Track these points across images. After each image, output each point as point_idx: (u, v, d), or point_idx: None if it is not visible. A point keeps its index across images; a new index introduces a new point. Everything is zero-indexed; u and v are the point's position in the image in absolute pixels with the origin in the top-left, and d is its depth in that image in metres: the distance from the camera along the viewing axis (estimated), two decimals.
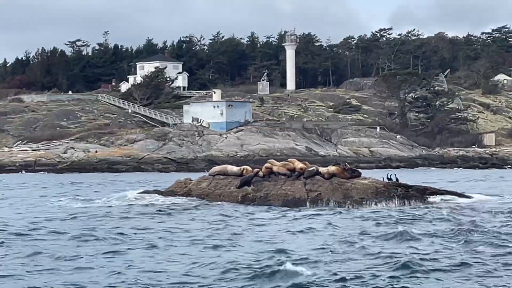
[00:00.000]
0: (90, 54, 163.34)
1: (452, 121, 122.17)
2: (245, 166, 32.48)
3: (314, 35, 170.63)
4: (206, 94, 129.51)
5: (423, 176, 62.04)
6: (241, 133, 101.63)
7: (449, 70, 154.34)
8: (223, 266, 15.67)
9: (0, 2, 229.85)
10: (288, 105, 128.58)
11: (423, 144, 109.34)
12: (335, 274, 14.72)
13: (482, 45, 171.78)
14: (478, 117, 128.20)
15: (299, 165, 30.91)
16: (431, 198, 30.03)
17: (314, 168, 30.72)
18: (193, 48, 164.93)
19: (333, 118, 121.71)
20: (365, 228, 21.90)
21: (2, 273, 15.18)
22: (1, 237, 20.59)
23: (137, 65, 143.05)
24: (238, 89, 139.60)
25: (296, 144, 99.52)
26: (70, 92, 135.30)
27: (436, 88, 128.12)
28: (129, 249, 18.31)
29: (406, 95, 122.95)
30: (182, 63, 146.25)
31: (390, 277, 14.48)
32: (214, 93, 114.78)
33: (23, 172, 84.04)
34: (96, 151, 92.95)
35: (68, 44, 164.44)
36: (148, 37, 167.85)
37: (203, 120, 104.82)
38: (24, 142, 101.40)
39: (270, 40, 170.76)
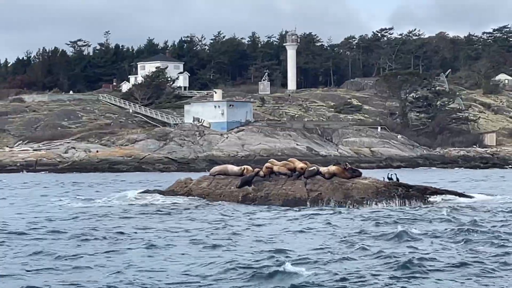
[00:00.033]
0: (91, 54, 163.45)
1: (453, 121, 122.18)
2: (245, 166, 32.49)
3: (315, 35, 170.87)
4: (207, 94, 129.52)
5: (424, 176, 62.04)
6: (242, 133, 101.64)
7: (450, 70, 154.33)
8: (222, 266, 15.67)
9: (1, 2, 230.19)
10: (289, 105, 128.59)
11: (424, 144, 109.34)
12: (335, 274, 14.71)
13: (483, 45, 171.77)
14: (479, 117, 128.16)
15: (299, 164, 30.91)
16: (432, 198, 29.98)
17: (315, 167, 30.72)
18: (194, 48, 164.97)
19: (334, 118, 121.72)
20: (365, 228, 21.89)
21: (2, 273, 15.19)
22: (2, 236, 20.60)
23: (138, 65, 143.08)
24: (239, 89, 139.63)
25: (297, 144, 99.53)
26: (71, 92, 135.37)
27: (437, 88, 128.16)
28: (129, 248, 18.32)
29: (407, 95, 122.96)
30: (183, 63, 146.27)
31: (390, 277, 14.47)
32: (215, 93, 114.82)
33: (24, 172, 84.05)
34: (97, 151, 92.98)
35: (69, 44, 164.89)
36: (149, 37, 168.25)
37: (204, 120, 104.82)
38: (25, 142, 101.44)
39: (271, 40, 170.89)
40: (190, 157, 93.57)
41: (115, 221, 24.35)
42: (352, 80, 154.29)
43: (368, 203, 28.71)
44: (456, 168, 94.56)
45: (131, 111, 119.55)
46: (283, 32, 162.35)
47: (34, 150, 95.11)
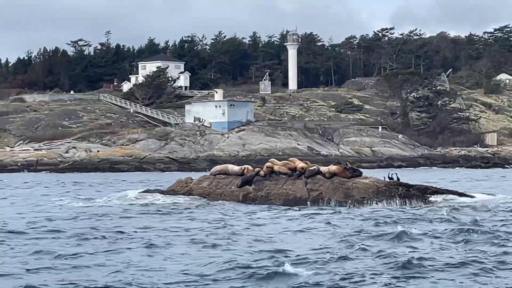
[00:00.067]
0: (92, 53, 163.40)
1: (454, 120, 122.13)
2: (246, 166, 32.52)
3: (316, 34, 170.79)
4: (208, 93, 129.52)
5: (424, 176, 62.02)
6: (243, 133, 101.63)
7: (451, 69, 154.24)
8: (222, 265, 15.66)
9: (2, 2, 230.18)
10: (290, 104, 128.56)
11: (425, 143, 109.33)
12: (335, 274, 14.69)
13: (484, 45, 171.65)
14: (480, 116, 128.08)
15: (300, 164, 30.90)
16: (432, 198, 29.94)
17: (315, 167, 30.71)
18: (195, 47, 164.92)
19: (335, 117, 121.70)
20: (365, 227, 21.87)
21: (2, 272, 15.18)
22: (2, 235, 20.60)
23: (139, 65, 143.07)
24: (240, 89, 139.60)
25: (298, 144, 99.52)
26: (72, 92, 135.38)
27: (438, 88, 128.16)
28: (128, 248, 18.31)
29: (408, 94, 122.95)
30: (184, 62, 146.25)
31: (390, 277, 14.45)
32: (216, 92, 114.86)
33: (25, 172, 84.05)
34: (98, 151, 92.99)
35: (70, 44, 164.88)
36: (150, 37, 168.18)
37: (205, 120, 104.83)
38: (26, 141, 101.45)
39: (272, 40, 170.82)
40: (191, 157, 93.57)
41: (115, 221, 24.35)
42: (353, 79, 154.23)
43: (369, 202, 28.70)
44: (457, 168, 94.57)
45: (132, 111, 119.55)
46: (284, 32, 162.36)
47: (35, 150, 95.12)
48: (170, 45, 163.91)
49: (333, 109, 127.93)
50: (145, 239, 19.61)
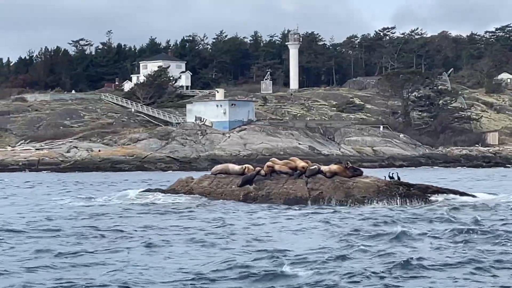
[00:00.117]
0: (93, 53, 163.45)
1: (456, 120, 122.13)
2: (246, 165, 32.54)
3: (317, 34, 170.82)
4: (209, 93, 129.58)
5: (426, 175, 61.99)
6: (244, 132, 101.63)
7: (452, 69, 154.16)
8: (220, 265, 15.64)
9: (4, 2, 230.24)
10: (291, 104, 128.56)
11: (426, 143, 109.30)
12: (334, 273, 14.66)
13: (485, 44, 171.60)
14: (482, 116, 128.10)
15: (301, 163, 30.90)
16: (433, 197, 29.89)
17: (316, 166, 30.70)
18: (196, 47, 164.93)
19: (336, 117, 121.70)
20: (365, 227, 21.85)
21: (2, 271, 15.17)
22: (2, 234, 20.61)
23: (140, 64, 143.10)
24: (241, 88, 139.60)
25: (299, 143, 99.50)
26: (73, 91, 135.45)
27: (439, 87, 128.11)
28: (128, 247, 18.31)
29: (409, 94, 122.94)
30: (185, 62, 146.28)
31: (390, 277, 14.42)
32: (217, 92, 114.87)
33: (26, 171, 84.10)
34: (99, 150, 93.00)
35: (71, 44, 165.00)
36: (151, 37, 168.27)
37: (206, 119, 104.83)
38: (27, 141, 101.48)
39: (273, 39, 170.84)
40: (192, 156, 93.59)
41: (115, 220, 24.36)
42: (354, 79, 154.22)
43: (369, 202, 28.68)
44: (459, 167, 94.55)
45: (133, 110, 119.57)
46: (285, 31, 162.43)
47: (36, 149, 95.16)
48: (172, 45, 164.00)
49: (334, 108, 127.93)
50: (145, 238, 19.62)
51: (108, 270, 15.18)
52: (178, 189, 32.42)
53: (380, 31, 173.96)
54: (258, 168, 31.30)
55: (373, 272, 14.66)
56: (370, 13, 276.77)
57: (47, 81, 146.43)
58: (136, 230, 21.37)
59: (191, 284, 13.98)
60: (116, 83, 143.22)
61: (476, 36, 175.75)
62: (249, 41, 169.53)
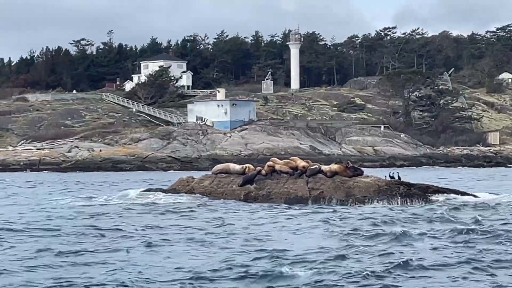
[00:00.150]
0: (94, 53, 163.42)
1: (457, 119, 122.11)
2: (247, 165, 32.58)
3: (318, 34, 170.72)
4: (210, 93, 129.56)
5: (426, 175, 61.99)
6: (245, 132, 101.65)
7: (453, 68, 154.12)
8: (219, 264, 15.65)
9: (2, 2, 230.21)
10: (292, 104, 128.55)
11: (427, 143, 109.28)
12: (334, 273, 14.67)
13: (486, 44, 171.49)
14: (483, 115, 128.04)
15: (301, 163, 30.93)
16: (434, 197, 29.90)
17: (317, 166, 30.73)
18: (197, 47, 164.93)
19: (337, 117, 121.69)
20: (365, 227, 21.85)
21: (1, 270, 15.20)
22: (2, 234, 20.64)
23: (141, 64, 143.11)
24: (242, 88, 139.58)
25: (300, 143, 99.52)
26: (74, 91, 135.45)
27: (440, 87, 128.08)
28: (128, 246, 18.33)
29: (410, 94, 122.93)
30: (186, 62, 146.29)
31: (390, 276, 14.43)
32: (218, 92, 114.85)
33: (28, 171, 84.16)
34: (101, 150, 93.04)
35: (72, 43, 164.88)
36: (152, 36, 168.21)
37: (207, 119, 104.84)
38: (29, 141, 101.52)
39: (274, 39, 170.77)
40: (193, 156, 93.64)
41: (116, 219, 24.39)
42: (355, 79, 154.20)
43: (370, 201, 28.70)
44: (459, 167, 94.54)
45: (134, 110, 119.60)
46: (286, 31, 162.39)
47: (37, 149, 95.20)
48: (173, 45, 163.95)
49: (335, 108, 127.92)
50: (145, 238, 19.64)
51: (108, 270, 15.21)
52: (179, 188, 32.44)
53: (381, 31, 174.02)
54: (258, 168, 31.33)
55: (373, 272, 14.67)
56: (371, 13, 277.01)
57: (48, 81, 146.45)
58: (136, 230, 21.40)
59: (190, 283, 14.00)
60: (117, 83, 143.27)
61: (477, 36, 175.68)
62: (250, 41, 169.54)
